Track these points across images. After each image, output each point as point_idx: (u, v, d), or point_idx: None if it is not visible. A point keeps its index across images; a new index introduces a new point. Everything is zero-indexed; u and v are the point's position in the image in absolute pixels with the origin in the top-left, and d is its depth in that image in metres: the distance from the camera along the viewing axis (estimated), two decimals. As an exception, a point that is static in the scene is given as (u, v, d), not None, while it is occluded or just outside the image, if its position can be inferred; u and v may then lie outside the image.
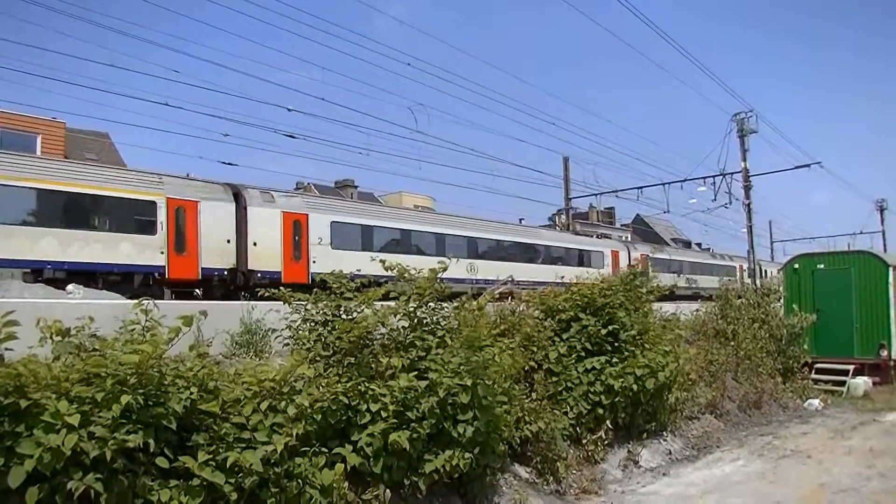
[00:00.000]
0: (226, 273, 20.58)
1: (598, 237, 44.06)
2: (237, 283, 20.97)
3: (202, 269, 20.04)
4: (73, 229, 18.00)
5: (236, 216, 21.29)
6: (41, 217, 17.57)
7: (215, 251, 20.47)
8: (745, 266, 37.85)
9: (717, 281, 38.37)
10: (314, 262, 22.50)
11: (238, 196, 21.75)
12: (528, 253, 32.16)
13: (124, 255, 18.55)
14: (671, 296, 16.94)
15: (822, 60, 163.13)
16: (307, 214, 23.27)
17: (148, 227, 19.30)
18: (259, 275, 20.72)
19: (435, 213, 30.96)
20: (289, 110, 29.60)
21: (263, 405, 6.08)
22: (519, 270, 25.26)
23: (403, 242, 26.43)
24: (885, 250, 51.12)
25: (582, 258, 35.30)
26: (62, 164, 19.64)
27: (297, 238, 22.62)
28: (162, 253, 19.31)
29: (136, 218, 19.26)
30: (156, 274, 19.13)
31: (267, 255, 21.49)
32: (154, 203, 19.45)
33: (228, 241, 20.87)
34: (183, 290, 19.95)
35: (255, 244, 21.34)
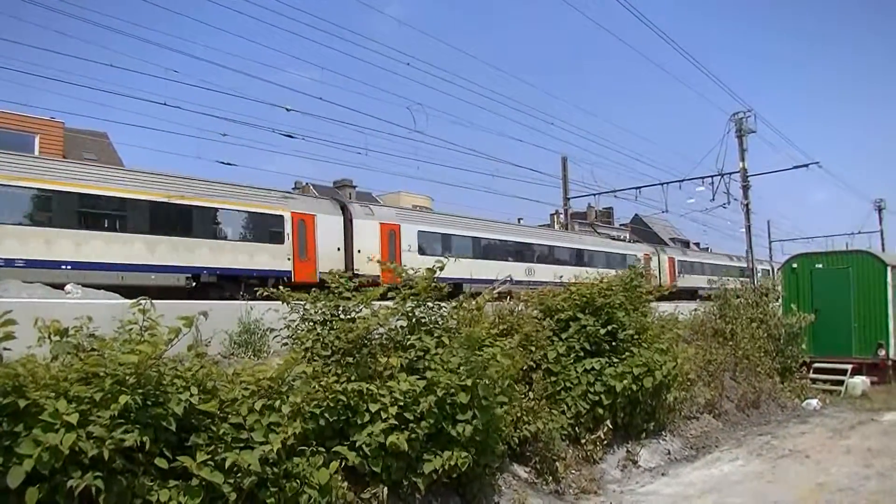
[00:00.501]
0: None
1: (600, 236, 45.17)
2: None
3: (319, 273, 21.77)
4: (223, 240, 21.15)
5: (344, 227, 24.48)
6: (198, 230, 20.53)
7: (329, 257, 23.08)
8: (760, 267, 39.19)
9: (735, 282, 40.29)
10: (407, 265, 23.19)
11: (345, 209, 25.12)
12: (575, 257, 35.58)
13: (261, 262, 21.44)
14: (669, 296, 17.07)
15: (820, 60, 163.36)
16: (399, 225, 26.49)
17: (278, 238, 22.31)
18: (365, 277, 21.61)
19: (496, 223, 33.78)
20: (287, 110, 29.57)
21: (258, 404, 6.08)
22: (568, 272, 26.31)
23: (474, 248, 29.55)
24: (883, 250, 51.12)
25: (619, 262, 37.05)
26: (216, 185, 22.40)
27: (391, 245, 25.66)
28: (288, 259, 22.24)
29: (269, 230, 22.32)
30: (284, 278, 21.13)
31: (371, 260, 23.49)
32: (282, 216, 22.61)
33: (339, 249, 23.94)
34: (305, 292, 21.83)
35: (359, 251, 24.22)
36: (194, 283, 19.54)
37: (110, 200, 18.80)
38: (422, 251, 26.24)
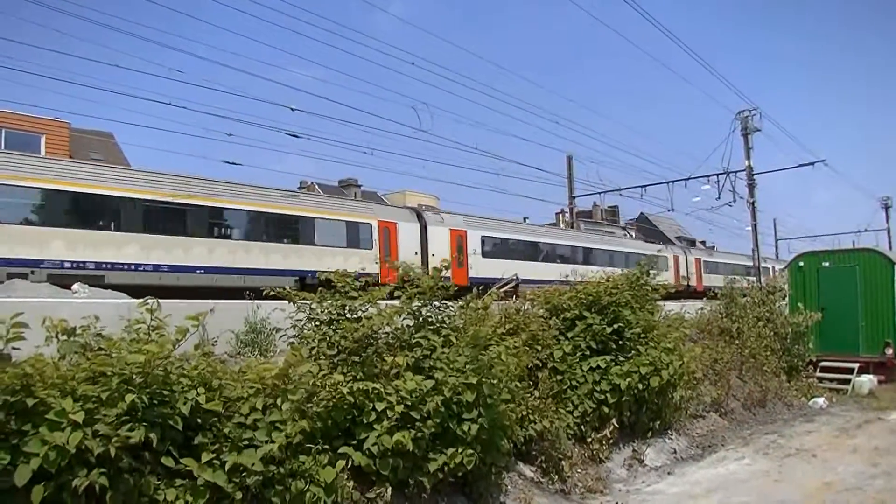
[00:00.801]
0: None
1: (604, 234, 45.95)
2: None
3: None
4: (323, 246, 23.82)
5: (420, 233, 27.33)
6: (303, 237, 23.37)
7: (408, 260, 23.79)
8: (777, 267, 39.78)
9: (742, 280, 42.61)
10: (471, 268, 28.24)
11: (420, 217, 28.01)
12: (614, 259, 37.58)
13: (353, 265, 21.65)
14: (675, 294, 17.25)
15: (825, 59, 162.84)
16: (466, 230, 29.19)
17: (367, 243, 25.20)
18: None
19: (548, 228, 38.41)
20: (292, 110, 29.66)
21: (259, 402, 6.09)
22: (608, 273, 27.29)
23: (529, 252, 32.53)
24: (890, 248, 51.01)
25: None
26: (315, 198, 26.90)
27: (459, 249, 28.26)
28: (376, 263, 23.91)
29: (360, 237, 25.12)
30: (373, 279, 22.00)
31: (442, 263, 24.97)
32: (370, 225, 25.60)
33: (416, 253, 26.37)
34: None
35: (433, 254, 26.57)
36: (300, 286, 20.17)
37: (236, 213, 21.71)
38: (485, 254, 29.36)
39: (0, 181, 17.05)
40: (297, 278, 21.13)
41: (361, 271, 22.64)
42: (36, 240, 17.44)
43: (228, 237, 21.55)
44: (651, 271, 13.00)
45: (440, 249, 26.93)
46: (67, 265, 17.77)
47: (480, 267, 28.04)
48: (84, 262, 18.08)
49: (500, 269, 24.03)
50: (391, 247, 25.79)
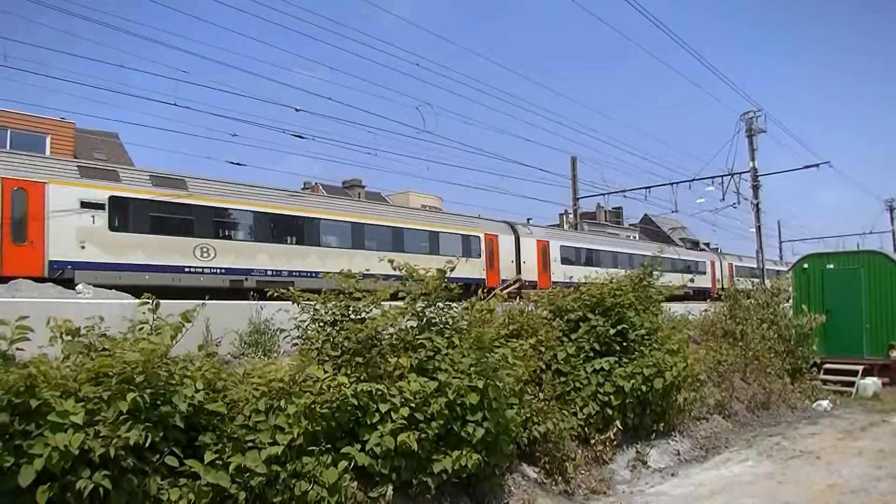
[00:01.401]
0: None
1: (606, 236, 47.25)
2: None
3: (502, 279, 28.26)
4: (444, 255, 25.22)
5: (515, 244, 31.48)
6: (430, 248, 27.25)
7: (506, 267, 30.22)
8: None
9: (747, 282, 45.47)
10: (553, 273, 32.51)
11: (514, 230, 32.28)
12: (665, 265, 38.47)
13: (467, 272, 26.23)
14: (680, 296, 17.37)
15: (830, 61, 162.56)
16: (548, 241, 33.71)
17: (477, 253, 29.16)
18: (527, 283, 28.27)
19: (606, 237, 42.94)
20: (297, 110, 29.65)
21: (262, 404, 6.10)
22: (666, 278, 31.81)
23: (593, 258, 36.78)
24: (895, 250, 50.84)
25: (693, 268, 44.06)
26: (437, 215, 32.50)
27: (544, 257, 32.67)
28: (483, 269, 28.75)
29: (471, 247, 28.92)
30: (481, 284, 24.36)
31: (530, 269, 31.34)
32: (479, 237, 29.78)
33: (511, 261, 30.81)
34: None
35: (524, 262, 31.34)
36: None
37: (379, 228, 25.81)
38: (563, 261, 33.77)
39: (224, 205, 21.09)
40: None
41: (472, 277, 25.68)
42: (248, 253, 20.95)
43: (388, 250, 23.62)
44: (655, 272, 12.99)
45: (529, 257, 31.83)
46: (269, 273, 21.17)
47: (559, 272, 32.52)
48: (280, 271, 21.57)
49: (573, 273, 30.20)
50: (494, 256, 30.09)
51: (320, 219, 23.77)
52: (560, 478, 9.60)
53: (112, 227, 18.22)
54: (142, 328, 6.04)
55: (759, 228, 34.14)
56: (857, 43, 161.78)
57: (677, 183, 36.79)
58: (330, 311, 8.03)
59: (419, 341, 8.09)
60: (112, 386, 5.18)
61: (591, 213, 65.73)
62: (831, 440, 12.98)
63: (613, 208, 71.08)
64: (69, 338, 5.76)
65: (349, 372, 7.15)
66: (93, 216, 17.90)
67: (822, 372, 19.15)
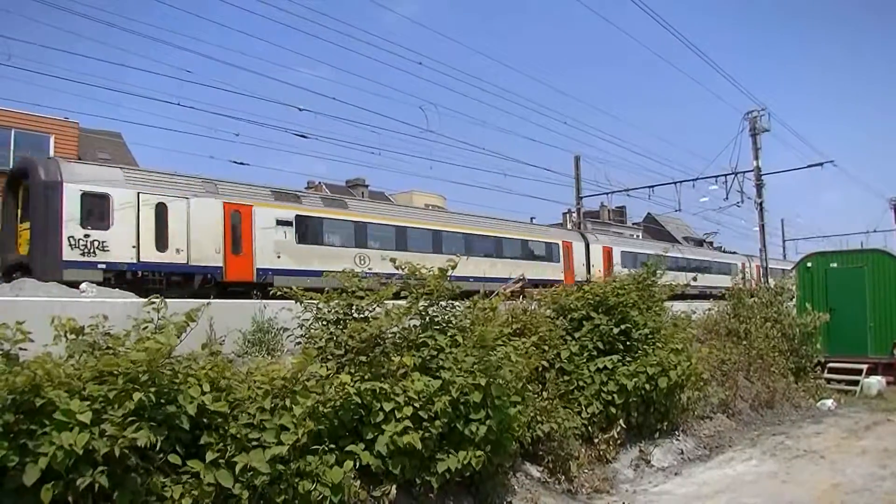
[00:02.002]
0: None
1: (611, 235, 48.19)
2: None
3: (576, 280, 29.09)
4: (534, 260, 31.72)
5: (585, 250, 35.92)
6: (522, 254, 31.49)
7: (579, 270, 33.78)
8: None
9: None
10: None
11: (584, 237, 36.92)
12: (710, 267, 45.12)
13: (549, 274, 30.53)
14: (682, 295, 17.40)
15: (835, 59, 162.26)
16: (612, 247, 38.01)
17: (557, 258, 33.56)
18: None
19: (669, 244, 45.56)
20: (300, 110, 29.77)
21: (267, 404, 6.10)
22: (707, 279, 35.70)
23: (676, 265, 38.96)
24: (900, 249, 50.72)
25: (727, 269, 46.81)
26: (527, 226, 36.80)
27: (609, 261, 36.42)
28: (561, 272, 32.17)
29: (553, 253, 33.56)
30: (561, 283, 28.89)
31: (597, 271, 34.37)
32: (559, 244, 34.21)
33: (583, 265, 34.97)
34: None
35: (592, 265, 35.52)
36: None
37: (485, 238, 29.97)
38: (622, 265, 35.54)
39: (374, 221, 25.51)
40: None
41: (553, 279, 27.90)
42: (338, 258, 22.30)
43: (491, 256, 29.48)
44: (658, 272, 12.99)
45: (596, 261, 36.05)
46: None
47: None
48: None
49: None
50: (569, 260, 34.17)
51: (441, 231, 28.33)
52: (563, 477, 9.61)
53: (298, 241, 22.36)
54: (146, 327, 6.04)
55: (762, 227, 34.17)
56: (861, 42, 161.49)
57: (681, 182, 36.78)
58: (333, 310, 8.04)
59: (422, 340, 8.10)
60: (118, 385, 5.19)
61: (594, 211, 65.66)
62: (835, 439, 12.96)
63: (617, 207, 71.02)
64: (73, 336, 5.77)
65: (353, 371, 7.16)
66: (284, 231, 22.04)
67: (825, 371, 19.13)
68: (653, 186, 38.64)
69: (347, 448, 6.70)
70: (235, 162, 28.70)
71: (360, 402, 6.84)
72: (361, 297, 8.06)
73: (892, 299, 19.08)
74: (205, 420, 5.76)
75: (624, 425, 10.90)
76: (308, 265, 21.21)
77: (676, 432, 12.24)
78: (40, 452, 4.66)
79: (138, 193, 18.82)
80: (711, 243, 60.11)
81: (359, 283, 8.21)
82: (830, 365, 19.31)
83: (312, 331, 8.08)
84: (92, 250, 17.68)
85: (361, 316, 7.96)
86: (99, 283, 16.59)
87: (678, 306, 15.65)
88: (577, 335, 11.06)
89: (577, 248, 35.34)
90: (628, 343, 11.22)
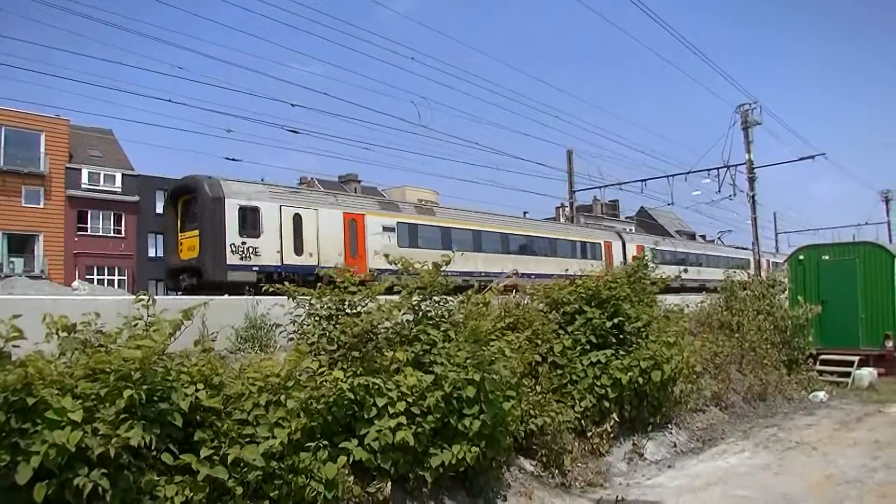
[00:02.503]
0: None
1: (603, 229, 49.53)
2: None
3: None
4: (577, 258, 33.74)
5: (622, 248, 39.75)
6: (565, 253, 34.71)
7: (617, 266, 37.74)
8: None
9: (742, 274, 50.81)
10: None
11: (621, 237, 41.49)
12: (728, 263, 46.40)
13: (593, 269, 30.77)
14: (675, 288, 17.61)
15: (826, 52, 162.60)
16: (644, 245, 40.88)
17: (598, 256, 36.67)
18: None
19: (692, 242, 52.65)
20: (292, 105, 29.70)
21: (262, 399, 6.10)
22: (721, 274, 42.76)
23: (677, 259, 42.75)
24: (890, 241, 51.02)
25: (743, 265, 50.32)
26: (574, 228, 40.40)
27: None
28: (601, 269, 35.30)
29: (594, 252, 36.85)
30: None
31: None
32: (600, 244, 38.19)
33: (621, 262, 34.67)
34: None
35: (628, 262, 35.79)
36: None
37: (542, 240, 34.79)
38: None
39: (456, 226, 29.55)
40: None
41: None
42: (472, 259, 26.14)
43: (547, 255, 33.11)
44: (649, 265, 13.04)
45: (630, 258, 35.97)
46: (483, 275, 24.70)
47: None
48: (489, 273, 25.70)
49: (663, 270, 34.99)
50: (609, 258, 37.23)
51: (508, 234, 32.46)
52: (557, 471, 9.62)
53: (399, 244, 25.35)
54: (136, 324, 6.02)
55: (754, 220, 34.33)
56: (852, 36, 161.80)
57: (673, 175, 37.02)
58: (325, 306, 8.04)
59: (415, 335, 8.10)
60: (109, 383, 5.18)
61: (587, 205, 65.77)
62: (827, 431, 13.02)
63: (610, 201, 71.13)
64: (65, 334, 5.75)
65: (345, 366, 7.16)
66: (388, 236, 25.61)
67: (818, 363, 19.19)
68: (645, 180, 38.86)
69: (341, 444, 6.70)
70: (228, 158, 28.67)
71: (352, 397, 6.84)
72: (353, 293, 8.06)
73: (884, 291, 19.16)
74: (198, 417, 5.75)
75: (617, 419, 10.93)
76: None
77: (669, 425, 12.28)
78: (33, 451, 4.65)
79: (280, 206, 22.52)
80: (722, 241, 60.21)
81: (350, 279, 8.20)
82: (822, 357, 19.38)
83: (305, 327, 8.08)
84: (248, 255, 21.00)
85: (354, 311, 7.96)
86: (252, 284, 18.22)
87: (693, 298, 15.74)
88: (569, 329, 11.06)
89: (616, 247, 39.32)
90: (621, 336, 11.23)
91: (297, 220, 22.86)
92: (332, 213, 24.11)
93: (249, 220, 21.53)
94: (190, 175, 22.70)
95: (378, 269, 22.27)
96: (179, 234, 22.11)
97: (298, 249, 22.51)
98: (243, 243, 21.03)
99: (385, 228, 25.63)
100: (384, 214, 26.23)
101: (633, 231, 59.50)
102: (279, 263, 21.41)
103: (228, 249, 20.60)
